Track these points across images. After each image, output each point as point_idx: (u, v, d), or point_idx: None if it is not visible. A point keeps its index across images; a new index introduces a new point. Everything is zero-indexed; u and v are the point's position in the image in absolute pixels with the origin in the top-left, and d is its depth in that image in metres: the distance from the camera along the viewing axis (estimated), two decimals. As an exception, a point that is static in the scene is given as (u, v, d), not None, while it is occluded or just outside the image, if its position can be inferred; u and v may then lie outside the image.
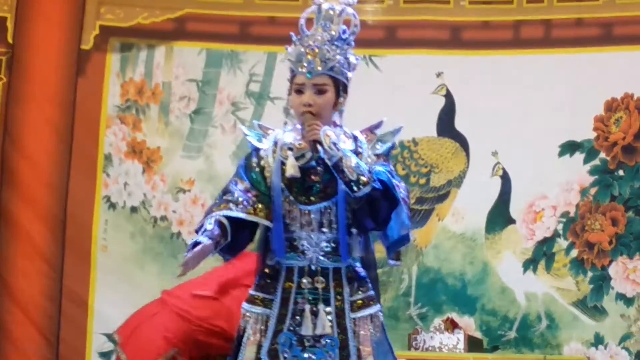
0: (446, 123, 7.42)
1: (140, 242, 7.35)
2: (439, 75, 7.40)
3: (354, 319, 3.84)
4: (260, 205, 3.87)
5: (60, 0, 7.51)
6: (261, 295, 3.89)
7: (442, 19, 7.46)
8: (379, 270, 7.22)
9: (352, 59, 3.96)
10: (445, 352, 6.71)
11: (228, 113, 7.48)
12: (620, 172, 7.17)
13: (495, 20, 7.42)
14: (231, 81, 7.53)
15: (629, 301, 7.06)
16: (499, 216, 7.30)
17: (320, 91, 3.85)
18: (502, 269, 7.27)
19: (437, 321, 6.98)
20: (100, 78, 7.54)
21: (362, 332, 3.84)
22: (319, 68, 3.84)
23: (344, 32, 3.93)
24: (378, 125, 4.05)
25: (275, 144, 3.91)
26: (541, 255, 7.25)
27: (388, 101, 7.33)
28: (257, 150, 3.94)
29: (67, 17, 7.51)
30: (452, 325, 6.89)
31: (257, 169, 3.90)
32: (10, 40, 7.45)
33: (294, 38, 3.90)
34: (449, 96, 7.41)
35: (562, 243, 7.23)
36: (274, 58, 7.47)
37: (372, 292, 3.91)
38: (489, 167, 7.32)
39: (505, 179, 7.31)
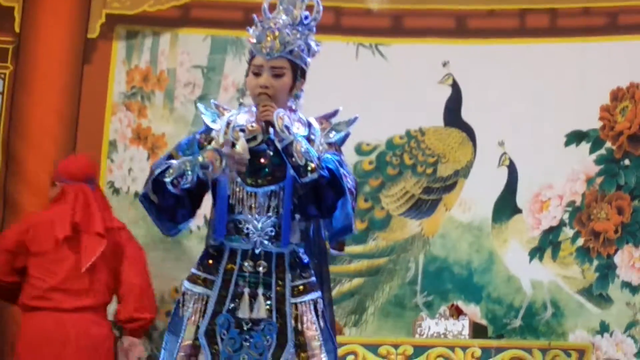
0: (453, 113, 7.39)
1: (143, 228, 7.28)
2: (445, 64, 7.37)
3: (295, 303, 3.84)
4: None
5: (67, -10, 7.62)
6: (203, 275, 3.88)
7: (447, 7, 7.44)
8: (386, 259, 7.54)
9: (313, 45, 3.95)
10: (450, 339, 6.70)
11: (233, 99, 7.44)
12: (626, 162, 7.13)
13: (500, 9, 7.40)
14: (236, 68, 7.49)
15: (634, 289, 7.02)
16: (506, 206, 7.28)
17: (277, 74, 3.87)
18: (508, 258, 7.26)
19: (442, 308, 6.99)
20: (106, 66, 7.55)
21: (304, 317, 3.84)
22: (278, 50, 3.86)
23: (307, 17, 3.93)
24: (333, 113, 4.01)
25: (228, 124, 3.91)
26: (547, 244, 7.23)
27: (394, 90, 7.34)
28: (209, 129, 3.95)
29: (74, 6, 7.53)
30: (456, 312, 6.87)
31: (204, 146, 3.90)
32: (17, 29, 7.46)
33: (256, 20, 3.91)
34: (455, 86, 7.38)
35: (568, 232, 7.21)
36: (278, 44, 7.55)
37: (314, 279, 3.89)
38: (496, 157, 7.30)
39: (512, 169, 7.29)
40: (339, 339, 4.95)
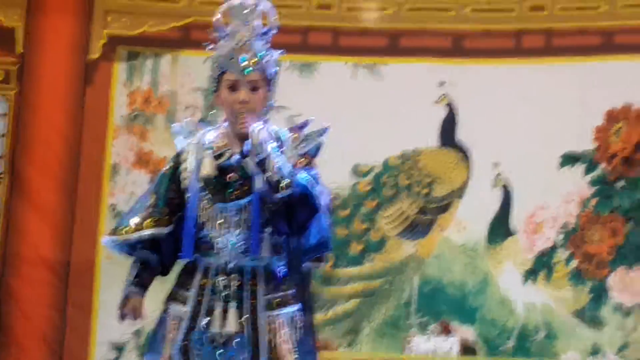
0: (448, 133, 7.35)
1: (147, 252, 7.63)
2: (441, 84, 7.35)
3: (269, 316, 3.80)
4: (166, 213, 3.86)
5: (68, 10, 7.49)
6: (179, 291, 3.87)
7: (444, 27, 7.40)
8: (381, 280, 7.79)
9: (275, 53, 3.86)
10: (440, 356, 6.74)
11: (234, 122, 7.74)
12: (621, 184, 7.09)
13: (496, 29, 7.36)
14: (236, 90, 7.79)
15: (627, 311, 7.01)
16: (500, 227, 7.26)
17: (254, 87, 3.81)
18: (502, 280, 7.23)
19: (432, 325, 7.04)
20: (107, 87, 7.55)
21: (280, 331, 3.79)
22: (254, 64, 3.81)
23: (264, 27, 3.83)
24: (304, 124, 3.91)
25: (197, 143, 3.86)
26: (541, 266, 7.18)
27: (390, 111, 7.30)
28: (180, 152, 3.90)
29: (75, 27, 7.51)
30: (445, 329, 7.04)
31: (174, 173, 3.89)
32: (20, 50, 7.47)
33: (217, 34, 3.83)
34: (451, 106, 7.35)
35: (562, 254, 7.18)
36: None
37: (291, 292, 3.82)
38: (491, 178, 7.28)
39: (507, 190, 7.26)
40: (331, 355, 5.13)
